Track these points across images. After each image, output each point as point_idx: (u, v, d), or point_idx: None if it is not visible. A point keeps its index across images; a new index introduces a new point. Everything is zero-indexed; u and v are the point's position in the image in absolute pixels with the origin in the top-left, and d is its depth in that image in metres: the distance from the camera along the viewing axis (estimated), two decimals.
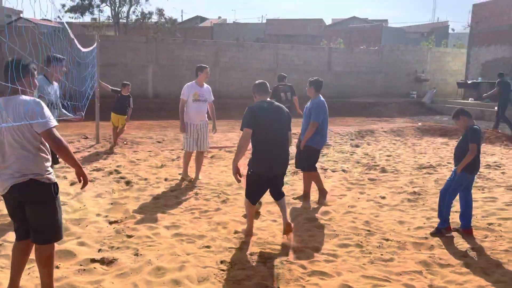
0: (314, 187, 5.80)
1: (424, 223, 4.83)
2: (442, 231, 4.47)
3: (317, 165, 5.87)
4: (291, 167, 6.74)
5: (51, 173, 2.88)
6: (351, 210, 5.31)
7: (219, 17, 47.04)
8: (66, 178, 6.15)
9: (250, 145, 4.16)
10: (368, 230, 4.60)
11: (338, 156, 8.82)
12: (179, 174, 6.81)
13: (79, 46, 7.40)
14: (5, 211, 3.48)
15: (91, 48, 8.68)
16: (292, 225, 4.42)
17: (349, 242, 4.26)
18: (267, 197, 4.70)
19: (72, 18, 27.02)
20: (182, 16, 64.69)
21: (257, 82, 4.37)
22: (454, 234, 4.49)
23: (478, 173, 4.95)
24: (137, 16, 27.95)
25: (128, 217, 4.80)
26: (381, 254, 3.99)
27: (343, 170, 7.49)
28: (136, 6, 27.66)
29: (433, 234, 4.46)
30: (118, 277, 3.40)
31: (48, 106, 4.39)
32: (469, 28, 22.20)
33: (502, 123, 12.60)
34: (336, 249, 4.12)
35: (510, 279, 3.53)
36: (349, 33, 33.60)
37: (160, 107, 16.53)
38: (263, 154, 4.12)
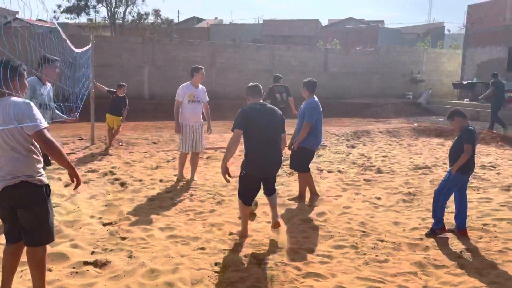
0: None
1: (419, 224, 4.83)
2: (437, 231, 4.47)
3: (313, 165, 5.87)
4: (286, 168, 6.73)
5: (42, 174, 2.86)
6: (346, 211, 5.31)
7: (216, 18, 46.96)
8: (60, 179, 6.11)
9: (243, 147, 4.17)
10: (363, 231, 4.59)
11: (334, 156, 8.82)
12: (174, 175, 6.78)
13: (71, 46, 7.34)
14: None
15: (85, 48, 8.63)
16: (281, 222, 4.48)
17: (344, 243, 4.25)
18: (263, 199, 4.69)
19: (68, 18, 26.89)
20: (178, 16, 64.44)
21: (250, 84, 4.41)
22: (449, 235, 4.49)
23: (473, 173, 4.96)
24: (133, 16, 27.84)
25: (122, 219, 4.77)
26: (376, 255, 3.98)
27: (339, 171, 7.49)
28: (133, 6, 27.56)
29: (427, 235, 4.46)
30: (111, 279, 3.37)
31: (40, 108, 4.39)
32: (465, 29, 22.28)
33: (496, 123, 12.69)
34: (331, 250, 4.11)
35: (505, 280, 3.53)
36: (345, 34, 33.65)
37: (156, 108, 16.48)
38: (255, 156, 4.14)
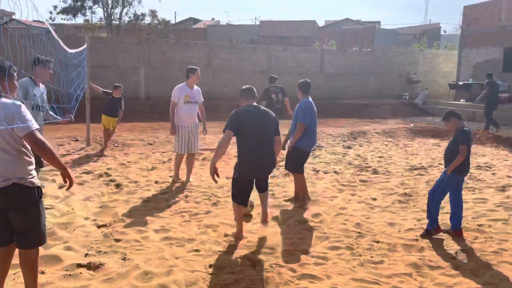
0: (308, 189, 5.79)
1: (415, 225, 4.82)
2: (431, 232, 4.47)
3: (309, 166, 5.86)
4: (282, 169, 6.72)
5: (34, 176, 2.83)
6: (342, 212, 5.30)
7: (213, 19, 46.89)
8: (55, 181, 6.08)
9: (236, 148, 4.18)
10: (359, 232, 4.58)
11: (330, 157, 8.81)
12: (170, 176, 6.76)
13: (65, 47, 7.29)
14: None
15: (80, 49, 8.58)
16: (269, 216, 4.61)
17: (340, 245, 4.24)
18: (259, 201, 4.67)
19: (64, 19, 26.82)
20: (175, 17, 64.35)
21: (244, 87, 4.43)
22: (444, 236, 4.49)
23: (469, 174, 4.96)
24: (129, 17, 27.80)
25: (117, 221, 4.74)
26: (371, 257, 3.97)
27: (335, 172, 7.48)
28: (129, 7, 27.51)
29: (423, 236, 4.46)
30: (105, 282, 3.35)
31: (33, 109, 4.35)
32: (460, 30, 22.35)
33: (489, 123, 12.74)
34: (327, 251, 4.10)
35: (500, 280, 3.53)
36: (342, 35, 33.68)
37: (152, 109, 16.43)
38: (248, 158, 4.15)
